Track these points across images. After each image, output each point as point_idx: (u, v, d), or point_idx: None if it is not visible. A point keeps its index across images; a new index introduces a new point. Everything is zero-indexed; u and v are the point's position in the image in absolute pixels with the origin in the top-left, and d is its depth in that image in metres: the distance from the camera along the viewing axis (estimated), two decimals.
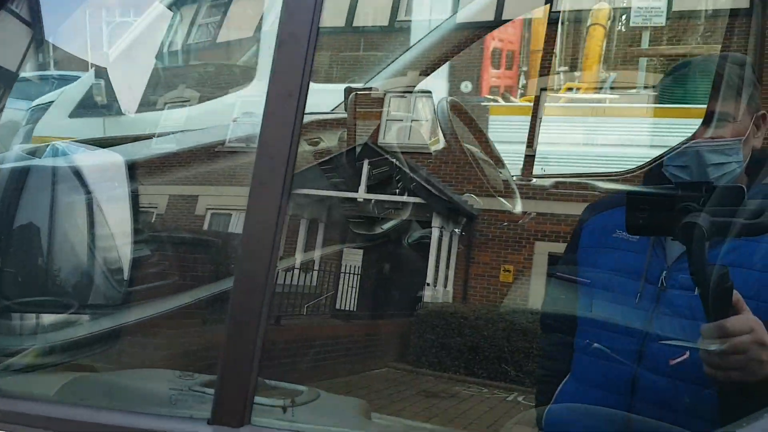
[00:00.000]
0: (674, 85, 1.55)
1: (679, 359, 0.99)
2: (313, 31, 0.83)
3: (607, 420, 1.27)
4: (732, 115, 1.34)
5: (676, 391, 1.19)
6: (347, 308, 9.73)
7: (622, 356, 1.29)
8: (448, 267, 10.92)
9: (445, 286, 10.83)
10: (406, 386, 8.09)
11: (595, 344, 1.30)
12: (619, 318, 1.31)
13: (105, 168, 1.36)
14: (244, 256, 0.81)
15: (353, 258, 10.88)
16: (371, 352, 9.23)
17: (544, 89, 8.08)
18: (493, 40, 8.38)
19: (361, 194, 10.44)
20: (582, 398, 1.36)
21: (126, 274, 1.31)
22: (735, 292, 1.01)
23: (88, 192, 1.40)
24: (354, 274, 10.05)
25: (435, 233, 10.19)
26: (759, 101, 1.43)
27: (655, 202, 1.06)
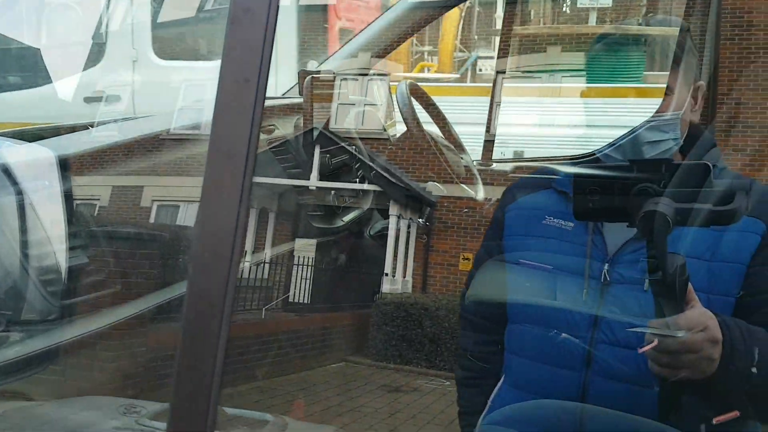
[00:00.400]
0: (600, 59, 1.45)
1: (649, 347, 0.91)
2: (273, 5, 0.73)
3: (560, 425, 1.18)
4: (669, 86, 1.25)
5: (631, 395, 1.12)
6: (301, 301, 9.55)
7: (568, 359, 1.18)
8: (406, 256, 10.89)
9: (405, 276, 10.81)
10: (366, 381, 8.03)
11: (563, 335, 1.19)
12: (561, 316, 1.20)
13: (34, 165, 1.23)
14: (196, 270, 0.70)
15: (306, 249, 10.73)
16: (327, 346, 9.12)
17: (500, 72, 8.07)
18: (339, 20, 8.13)
19: (313, 182, 10.28)
20: (525, 406, 1.24)
21: (62, 284, 1.18)
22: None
23: (16, 192, 1.27)
24: (307, 265, 9.87)
25: (393, 222, 10.14)
26: (698, 71, 1.34)
27: (607, 184, 0.96)
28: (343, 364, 9.25)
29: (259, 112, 0.75)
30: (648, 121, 1.21)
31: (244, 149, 0.73)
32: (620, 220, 0.98)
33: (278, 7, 0.74)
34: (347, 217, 9.81)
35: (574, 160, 1.29)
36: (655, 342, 0.92)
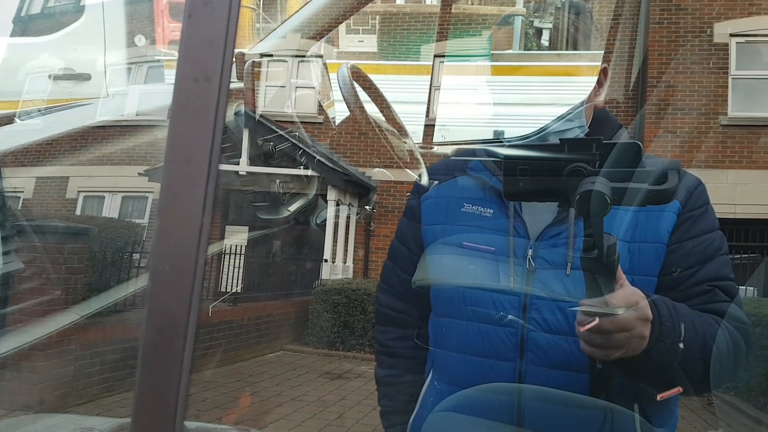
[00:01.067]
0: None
1: (591, 324, 0.91)
2: None
3: (500, 416, 1.16)
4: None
5: (567, 381, 1.12)
6: (232, 291, 9.32)
7: (501, 349, 1.16)
8: (347, 242, 10.84)
9: (345, 261, 10.76)
10: (307, 369, 7.97)
11: (510, 316, 1.17)
12: (491, 305, 1.17)
13: None
14: (155, 286, 0.64)
15: (237, 237, 10.47)
16: (264, 335, 8.99)
17: (438, 56, 8.02)
18: None
19: (243, 167, 10.04)
20: (459, 400, 1.20)
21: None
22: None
23: None
24: (238, 254, 9.65)
25: (331, 207, 10.04)
26: (601, 54, 1.34)
27: (538, 164, 0.95)
28: (281, 353, 9.16)
29: (222, 113, 0.69)
30: (558, 118, 1.20)
31: (207, 153, 0.67)
32: (552, 200, 0.97)
33: None
34: (293, 207, 9.63)
35: (499, 142, 1.26)
36: (597, 320, 0.92)
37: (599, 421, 1.10)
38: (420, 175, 1.37)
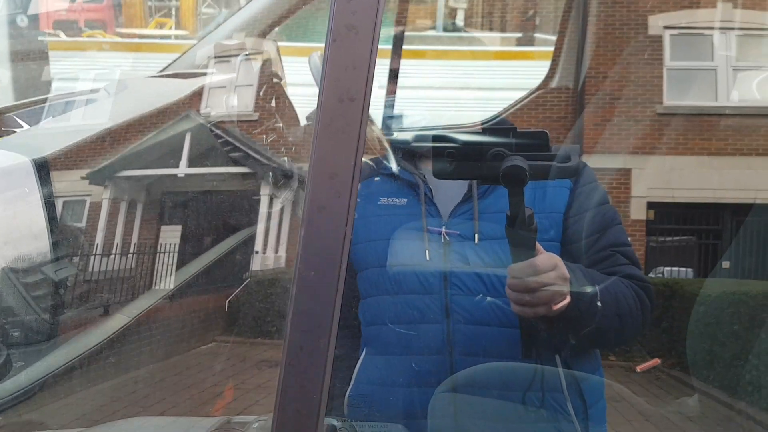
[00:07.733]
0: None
1: (561, 304, 1.10)
2: (378, 21, 0.75)
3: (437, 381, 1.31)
4: None
5: (493, 336, 1.29)
6: (165, 288, 9.24)
7: (428, 314, 1.33)
8: (279, 231, 10.82)
9: (277, 251, 10.74)
10: (241, 358, 7.97)
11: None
12: (415, 279, 1.35)
13: (8, 174, 1.09)
14: (300, 288, 0.73)
15: (171, 236, 10.45)
16: (194, 329, 8.94)
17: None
18: None
19: (182, 170, 9.94)
20: (394, 369, 1.37)
21: (53, 299, 1.07)
22: None
23: None
24: (171, 252, 9.60)
25: (264, 202, 10.02)
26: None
27: (462, 148, 1.11)
28: (213, 344, 9.09)
29: (364, 131, 0.77)
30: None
31: (350, 168, 0.75)
32: (475, 178, 1.21)
33: (381, 23, 0.76)
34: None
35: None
36: (568, 299, 1.11)
37: (530, 376, 1.28)
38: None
